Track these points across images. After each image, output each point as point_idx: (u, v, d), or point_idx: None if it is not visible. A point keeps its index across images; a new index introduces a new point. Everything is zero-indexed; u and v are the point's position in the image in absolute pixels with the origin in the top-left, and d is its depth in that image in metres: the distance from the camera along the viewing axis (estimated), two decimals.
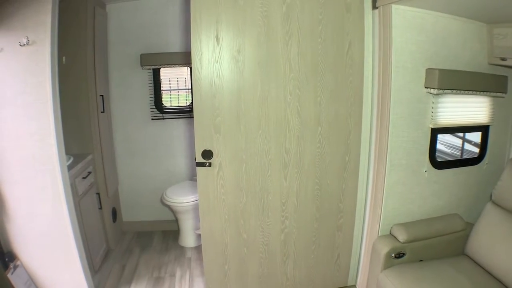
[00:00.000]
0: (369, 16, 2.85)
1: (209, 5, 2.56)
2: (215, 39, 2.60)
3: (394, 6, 2.58)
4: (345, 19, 2.79)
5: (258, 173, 2.86)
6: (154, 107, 4.29)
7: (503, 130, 3.15)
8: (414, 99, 2.74)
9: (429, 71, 2.70)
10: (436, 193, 2.97)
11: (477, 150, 3.13)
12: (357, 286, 3.29)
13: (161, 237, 4.39)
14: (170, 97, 4.42)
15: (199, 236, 4.02)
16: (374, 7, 2.79)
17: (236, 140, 2.76)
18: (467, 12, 2.71)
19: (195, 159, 2.77)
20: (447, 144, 3.18)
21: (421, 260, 2.76)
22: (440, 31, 2.73)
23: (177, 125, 4.37)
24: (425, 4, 2.60)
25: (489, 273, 2.56)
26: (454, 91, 2.74)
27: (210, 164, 2.76)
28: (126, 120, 4.28)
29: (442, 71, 2.65)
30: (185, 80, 4.40)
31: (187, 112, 4.34)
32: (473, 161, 3.11)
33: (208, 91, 2.65)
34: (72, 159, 3.22)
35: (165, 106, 4.37)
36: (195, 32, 2.57)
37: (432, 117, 2.80)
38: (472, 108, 2.95)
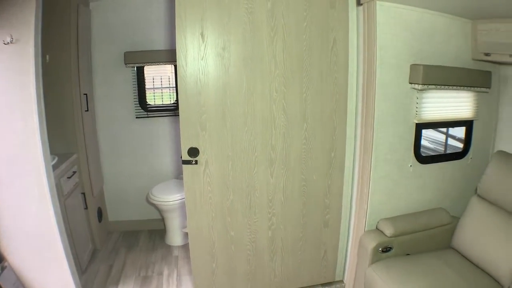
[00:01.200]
0: (354, 13, 2.85)
1: (193, 1, 2.54)
2: (200, 36, 2.59)
3: (378, 3, 2.59)
4: (329, 15, 2.80)
5: (244, 170, 2.85)
6: (138, 105, 4.26)
7: (487, 125, 3.18)
8: (399, 95, 2.76)
9: (413, 67, 2.72)
10: (421, 188, 3.00)
11: (461, 145, 3.17)
12: (344, 281, 3.31)
13: (148, 236, 4.36)
14: (154, 96, 4.38)
15: (186, 234, 4.00)
16: (359, 3, 2.80)
17: (222, 137, 2.75)
18: (452, 9, 2.74)
19: (181, 157, 2.76)
20: (432, 139, 3.21)
21: (408, 254, 2.78)
22: (425, 27, 2.76)
23: (162, 123, 4.34)
24: (410, 1, 2.62)
25: (475, 265, 2.60)
26: (439, 86, 2.77)
27: (196, 162, 2.74)
28: (110, 119, 4.23)
29: (426, 67, 2.68)
30: (169, 78, 4.37)
31: (172, 110, 4.31)
32: (457, 155, 3.14)
33: (194, 88, 2.64)
34: (56, 158, 3.17)
35: (149, 105, 4.33)
36: (180, 29, 2.55)
37: (416, 113, 2.83)
38: (456, 103, 2.99)
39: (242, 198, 2.90)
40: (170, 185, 4.14)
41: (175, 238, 4.12)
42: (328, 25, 2.81)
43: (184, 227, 3.93)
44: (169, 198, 3.87)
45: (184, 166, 2.75)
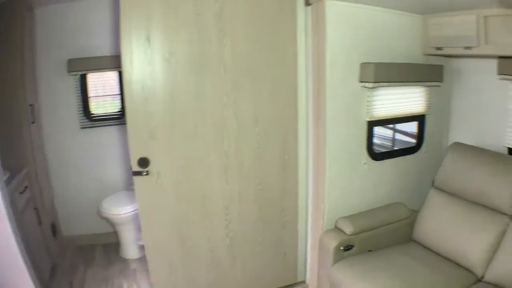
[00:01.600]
0: (302, 13, 2.82)
1: (139, 4, 2.43)
2: (146, 39, 2.47)
3: (328, 2, 2.56)
4: (278, 16, 2.76)
5: (198, 179, 2.77)
6: (83, 115, 4.09)
7: (441, 118, 3.24)
8: (350, 94, 2.75)
9: (364, 65, 2.71)
10: (377, 184, 3.02)
11: (414, 139, 3.20)
12: (306, 282, 3.30)
13: (103, 250, 4.20)
14: (100, 104, 4.23)
15: (142, 247, 3.87)
16: (307, 3, 2.77)
17: (173, 145, 2.66)
18: (402, 5, 2.76)
19: (131, 168, 2.64)
20: (384, 135, 3.23)
21: (370, 251, 2.78)
22: (374, 25, 2.76)
23: (109, 133, 4.19)
24: None
25: (441, 255, 2.65)
26: (390, 83, 2.77)
27: (147, 173, 2.63)
28: (57, 130, 4.05)
29: (377, 65, 2.67)
30: (114, 86, 4.23)
31: (118, 119, 4.17)
32: (411, 150, 3.18)
33: (141, 95, 2.52)
34: (8, 174, 3.00)
35: (94, 114, 4.17)
36: (125, 33, 2.43)
37: (368, 111, 2.83)
38: (408, 99, 3.01)
39: (197, 207, 2.81)
40: (121, 197, 3.98)
41: (131, 251, 3.99)
42: (277, 26, 2.77)
43: (139, 239, 3.80)
44: (120, 211, 3.73)
45: (135, 177, 2.63)
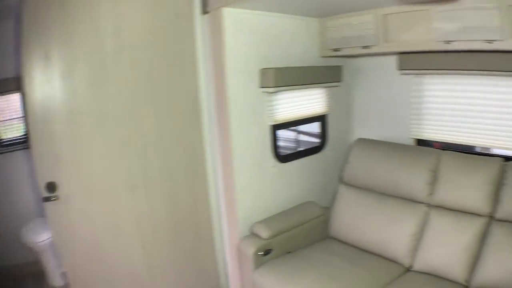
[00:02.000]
0: (200, 22, 2.83)
1: (39, 23, 2.33)
2: (45, 57, 2.38)
3: (225, 10, 2.58)
4: (176, 26, 2.77)
5: (106, 199, 2.68)
6: None
7: (343, 116, 3.39)
8: (252, 100, 2.80)
9: (263, 71, 2.77)
10: (288, 185, 3.09)
11: (319, 139, 3.33)
12: None
13: (31, 279, 4.02)
14: (7, 128, 4.07)
15: (65, 273, 3.72)
16: (205, 12, 2.78)
17: (79, 167, 2.57)
18: (299, 10, 2.85)
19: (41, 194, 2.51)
20: (290, 137, 3.35)
21: (289, 252, 2.82)
22: (273, 30, 2.83)
23: (17, 159, 4.02)
24: (256, 6, 2.64)
25: (358, 248, 2.78)
26: (290, 87, 2.85)
27: (56, 198, 2.51)
28: None
29: (276, 70, 2.74)
30: (18, 109, 4.07)
31: (23, 143, 3.99)
32: (316, 149, 3.29)
33: (43, 116, 2.42)
34: None
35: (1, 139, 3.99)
36: (25, 52, 2.33)
37: (270, 115, 2.89)
38: (309, 101, 3.13)
39: (109, 229, 2.73)
40: (37, 225, 3.79)
41: (56, 278, 3.81)
42: (175, 37, 2.77)
43: (61, 266, 3.67)
44: (37, 238, 3.57)
45: (46, 203, 2.51)
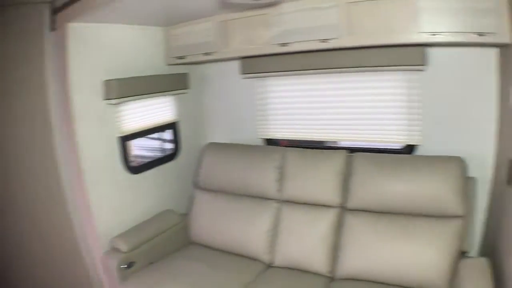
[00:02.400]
0: (48, 39, 2.64)
1: None
2: None
3: (70, 25, 2.49)
4: (24, 44, 2.61)
5: None
6: None
7: (195, 123, 3.46)
8: (98, 113, 2.72)
9: (106, 83, 2.71)
10: (143, 196, 3.06)
11: (172, 146, 3.34)
12: None
13: None
14: None
15: None
16: (52, 29, 2.61)
17: None
18: (143, 20, 2.84)
19: None
20: (141, 147, 3.31)
21: (151, 263, 2.79)
22: (117, 42, 2.80)
23: None
24: (101, 18, 2.60)
25: (217, 249, 2.84)
26: (134, 97, 2.83)
27: None
28: None
29: (118, 81, 2.71)
30: None
31: None
32: (169, 157, 3.30)
33: None
34: None
35: None
36: None
37: (118, 126, 2.84)
38: (157, 109, 3.13)
39: None
40: None
41: None
42: (22, 56, 2.62)
43: None
44: None
45: None
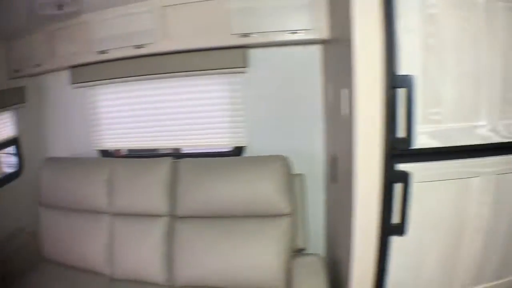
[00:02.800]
0: None
1: None
2: None
3: None
4: None
5: None
6: None
7: (36, 138, 3.27)
8: None
9: None
10: None
11: (16, 163, 3.15)
12: None
13: None
14: None
15: None
16: None
17: None
18: None
19: None
20: None
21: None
22: None
23: None
24: None
25: (72, 267, 2.71)
26: None
27: None
28: None
29: None
30: None
31: None
32: (14, 175, 3.08)
33: None
34: None
35: None
36: None
37: None
38: None
39: None
40: None
41: None
42: None
43: None
44: None
45: None
